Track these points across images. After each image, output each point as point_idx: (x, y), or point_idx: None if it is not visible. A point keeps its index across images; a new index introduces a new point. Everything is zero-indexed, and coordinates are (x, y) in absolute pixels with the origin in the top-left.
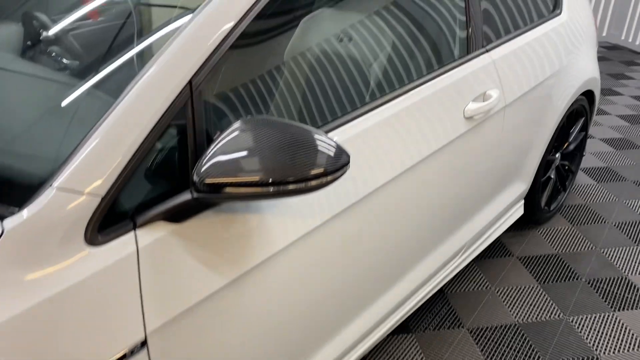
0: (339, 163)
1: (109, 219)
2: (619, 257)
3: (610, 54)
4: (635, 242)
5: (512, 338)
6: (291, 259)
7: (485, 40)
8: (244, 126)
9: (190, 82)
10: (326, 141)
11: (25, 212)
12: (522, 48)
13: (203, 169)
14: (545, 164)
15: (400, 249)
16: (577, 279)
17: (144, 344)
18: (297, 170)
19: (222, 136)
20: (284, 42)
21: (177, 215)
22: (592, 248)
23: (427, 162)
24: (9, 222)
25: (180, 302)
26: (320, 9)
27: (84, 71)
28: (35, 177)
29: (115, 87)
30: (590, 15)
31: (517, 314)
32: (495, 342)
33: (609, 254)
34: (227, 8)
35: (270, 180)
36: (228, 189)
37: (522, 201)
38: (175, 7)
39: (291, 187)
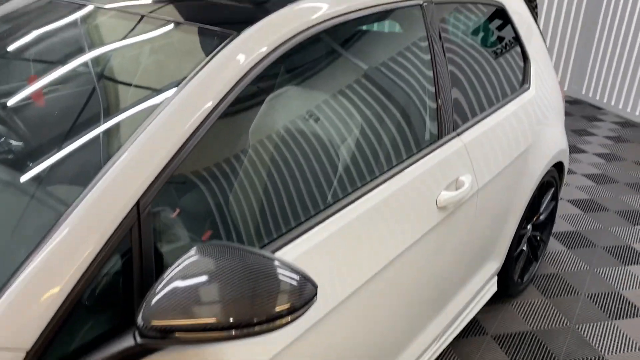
0: (306, 296)
1: None
2: (594, 335)
3: (572, 109)
4: (609, 316)
5: None
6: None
7: (455, 123)
8: (199, 256)
9: (137, 203)
10: (290, 271)
11: None
12: (493, 128)
13: (149, 309)
14: (517, 238)
15: (377, 347)
16: (552, 358)
17: None
18: (260, 309)
19: (173, 268)
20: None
21: None
22: (566, 324)
23: (400, 258)
24: None
25: None
26: (283, 89)
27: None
28: None
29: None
30: (558, 86)
31: None
32: None
33: (584, 331)
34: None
35: (230, 323)
36: (179, 334)
37: (496, 277)
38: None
39: (256, 328)
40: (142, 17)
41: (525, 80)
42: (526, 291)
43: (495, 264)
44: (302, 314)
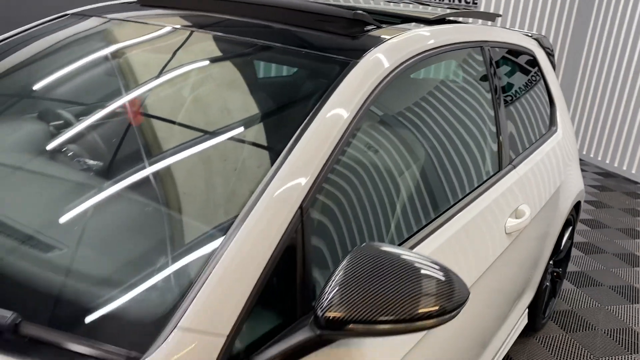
0: (460, 299)
1: None
2: None
3: None
4: (627, 350)
5: None
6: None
7: (510, 157)
8: (360, 256)
9: (301, 207)
10: (446, 273)
11: (155, 357)
12: (538, 164)
13: (325, 303)
14: (543, 274)
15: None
16: None
17: None
18: (422, 307)
19: (340, 268)
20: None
21: (295, 355)
22: (589, 357)
23: (476, 283)
24: None
25: None
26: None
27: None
28: (153, 317)
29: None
30: (573, 130)
31: None
32: None
33: None
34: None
35: (398, 318)
36: (353, 326)
37: (527, 310)
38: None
39: (418, 324)
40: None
41: (552, 122)
42: (547, 326)
43: (530, 295)
44: (458, 313)
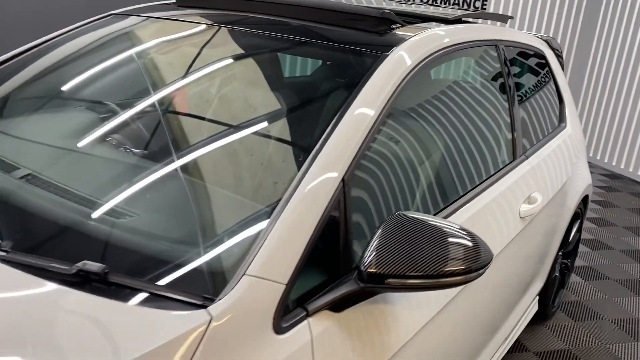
0: (482, 261)
1: (287, 307)
2: (625, 353)
3: None
4: (634, 338)
5: None
6: (419, 342)
7: (524, 147)
8: (397, 221)
9: (343, 179)
10: (472, 237)
11: (225, 300)
12: (549, 156)
13: (367, 260)
14: (553, 263)
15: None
16: None
17: None
18: (451, 265)
19: (379, 231)
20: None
21: (339, 305)
22: (598, 344)
23: (495, 260)
24: (214, 309)
25: None
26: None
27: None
28: (226, 266)
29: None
30: (581, 128)
31: None
32: None
33: (616, 350)
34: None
35: (432, 273)
36: (391, 280)
37: (537, 297)
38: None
39: (445, 280)
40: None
41: (562, 119)
42: (556, 316)
43: (540, 283)
44: (482, 273)
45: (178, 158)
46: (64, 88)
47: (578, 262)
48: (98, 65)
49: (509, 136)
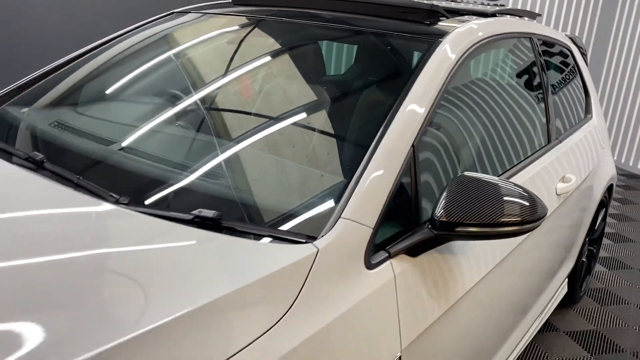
0: (538, 214)
1: (374, 248)
2: None
3: None
4: None
5: None
6: (475, 295)
7: (558, 132)
8: (462, 180)
9: (413, 145)
10: (529, 194)
11: (327, 237)
12: (578, 143)
13: (439, 211)
14: (581, 247)
15: (509, 308)
16: (622, 351)
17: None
18: (508, 217)
19: (449, 187)
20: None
21: (414, 250)
22: (625, 325)
23: (533, 234)
24: (319, 243)
25: (422, 323)
26: None
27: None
28: (325, 210)
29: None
30: (604, 121)
31: None
32: None
33: None
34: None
35: (492, 222)
36: (459, 229)
37: (567, 280)
38: None
39: (503, 229)
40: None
41: (588, 111)
42: (583, 301)
43: (570, 264)
44: (537, 226)
45: (277, 125)
46: (151, 72)
47: (601, 253)
48: (171, 53)
49: (544, 121)
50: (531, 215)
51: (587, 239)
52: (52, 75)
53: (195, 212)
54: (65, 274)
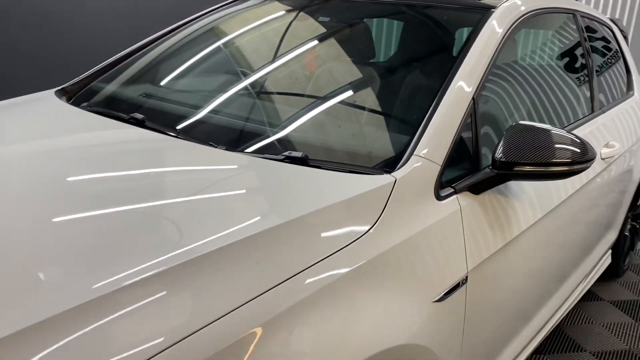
0: (589, 156)
1: (442, 184)
2: None
3: None
4: None
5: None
6: (531, 234)
7: (600, 103)
8: (518, 127)
9: (473, 98)
10: (579, 139)
11: (402, 170)
12: (619, 116)
13: (500, 153)
14: (625, 219)
15: (556, 260)
16: None
17: (465, 279)
18: (560, 158)
19: (507, 132)
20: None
21: (476, 188)
22: None
23: (577, 193)
24: (397, 174)
25: (484, 252)
26: None
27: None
28: (400, 148)
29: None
30: None
31: (626, 342)
32: None
33: None
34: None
35: (548, 162)
36: (516, 168)
37: (610, 251)
38: None
39: (555, 168)
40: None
41: (630, 87)
42: (626, 274)
43: (613, 236)
44: (587, 167)
45: (355, 81)
46: (223, 50)
47: None
48: (244, 31)
49: (587, 93)
50: (581, 157)
51: (629, 214)
52: (137, 55)
53: (286, 153)
54: (197, 191)
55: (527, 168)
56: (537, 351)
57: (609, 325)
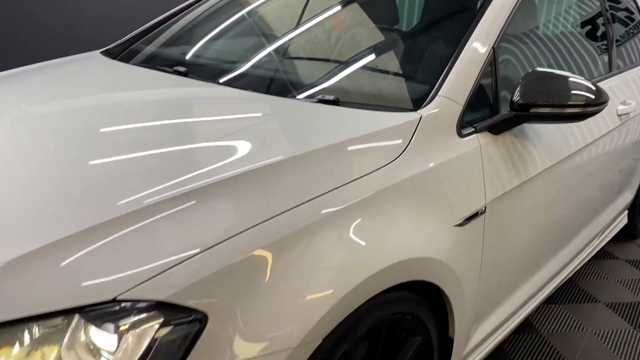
0: (602, 99)
1: (463, 124)
2: None
3: None
4: None
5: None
6: (547, 176)
7: (618, 65)
8: (536, 73)
9: (493, 48)
10: (594, 85)
11: (427, 109)
12: (636, 79)
13: (517, 96)
14: None
15: (571, 207)
16: None
17: (484, 209)
18: (574, 100)
19: (525, 77)
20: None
21: (495, 129)
22: None
23: (592, 145)
24: (422, 112)
25: (501, 187)
26: None
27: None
28: (424, 90)
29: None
30: None
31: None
32: (634, 315)
33: None
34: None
35: (564, 103)
36: (533, 109)
37: (627, 212)
38: None
39: (570, 110)
40: None
41: None
42: None
43: (629, 196)
44: (600, 110)
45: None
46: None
47: None
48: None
49: (606, 53)
50: (595, 101)
51: None
52: (175, 18)
53: (319, 96)
54: (244, 125)
55: (544, 110)
56: (551, 301)
57: (623, 280)
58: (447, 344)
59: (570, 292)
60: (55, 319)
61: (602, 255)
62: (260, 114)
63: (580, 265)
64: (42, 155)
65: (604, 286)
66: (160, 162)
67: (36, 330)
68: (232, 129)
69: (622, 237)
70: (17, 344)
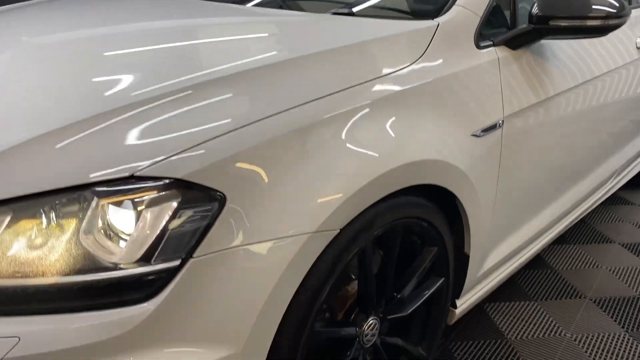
0: (625, 12)
1: (480, 35)
2: None
3: None
4: None
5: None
6: (565, 99)
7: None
8: None
9: None
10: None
11: (443, 17)
12: None
13: (537, 8)
14: None
15: (588, 137)
16: None
17: (501, 123)
18: (595, 13)
19: None
20: None
21: (513, 43)
22: None
23: (609, 75)
24: (439, 20)
25: (518, 103)
26: None
27: None
28: (440, 1)
29: None
30: None
31: None
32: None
33: None
34: None
35: (583, 15)
36: (552, 22)
37: None
38: None
39: (590, 22)
40: None
41: None
42: None
43: None
44: (623, 23)
45: None
46: None
47: None
48: None
49: None
50: (615, 13)
51: None
52: None
53: (333, 10)
54: (272, 31)
55: (563, 22)
56: (565, 241)
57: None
58: (462, 262)
59: (584, 233)
60: (73, 193)
61: (617, 201)
62: (280, 26)
63: (595, 206)
64: (51, 61)
65: (620, 228)
66: (181, 56)
67: (57, 205)
68: (256, 34)
69: (637, 183)
70: (38, 220)
